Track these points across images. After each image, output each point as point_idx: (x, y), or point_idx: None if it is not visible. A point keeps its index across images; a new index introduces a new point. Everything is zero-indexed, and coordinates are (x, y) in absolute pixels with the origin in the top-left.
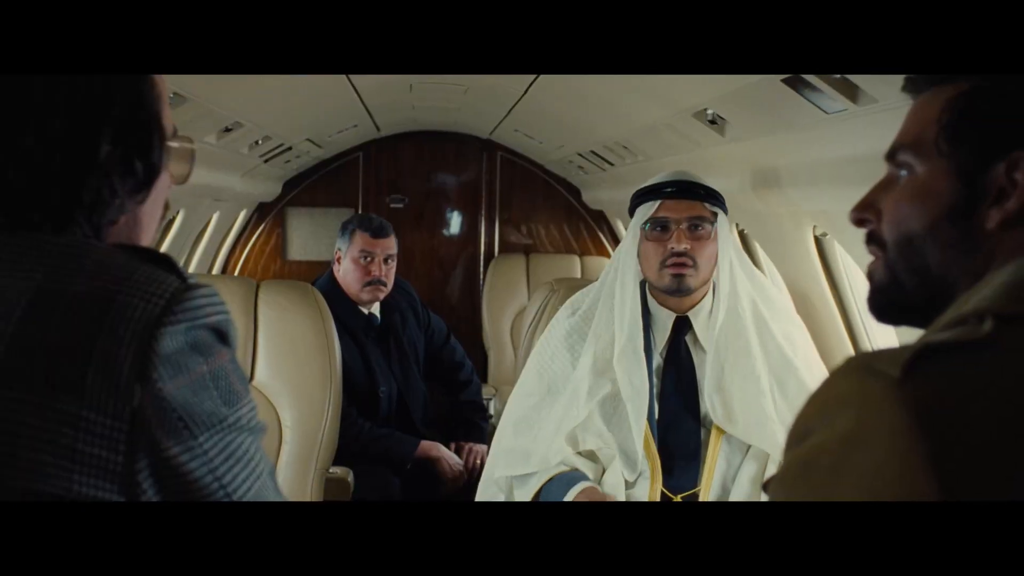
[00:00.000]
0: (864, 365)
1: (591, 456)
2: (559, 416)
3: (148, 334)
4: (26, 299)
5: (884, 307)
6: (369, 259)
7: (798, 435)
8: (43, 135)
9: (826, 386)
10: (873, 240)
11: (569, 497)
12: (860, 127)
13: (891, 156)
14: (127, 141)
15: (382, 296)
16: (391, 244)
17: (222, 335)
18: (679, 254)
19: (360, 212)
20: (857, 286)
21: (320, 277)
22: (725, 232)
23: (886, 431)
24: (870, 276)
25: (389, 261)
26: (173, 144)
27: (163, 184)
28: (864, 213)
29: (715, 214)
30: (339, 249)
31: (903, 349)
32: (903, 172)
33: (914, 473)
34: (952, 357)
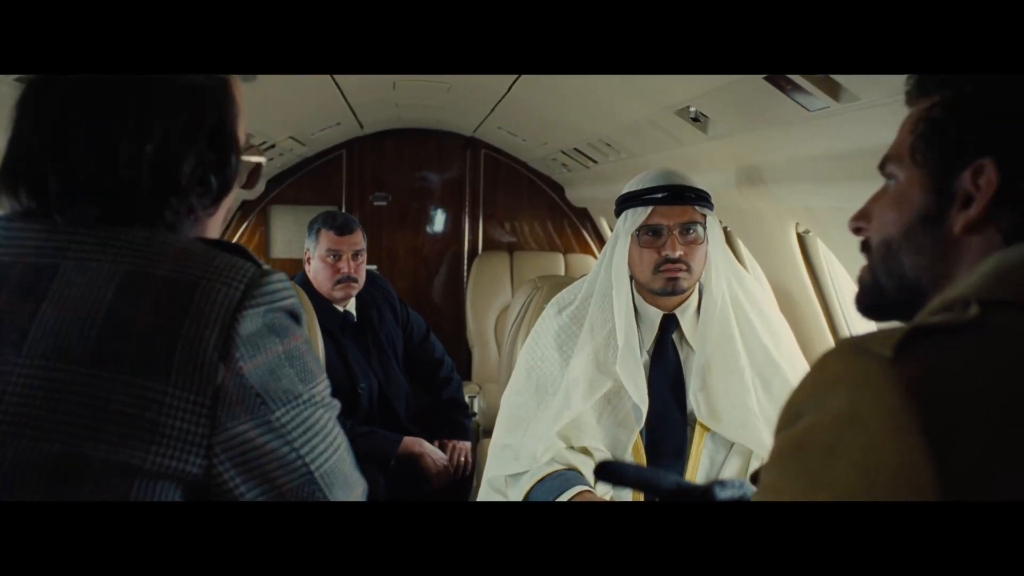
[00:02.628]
0: (856, 346)
1: (585, 452)
2: (551, 415)
3: (231, 317)
4: (116, 282)
5: (868, 307)
6: (337, 257)
7: (789, 417)
8: (134, 156)
9: (818, 368)
10: (865, 247)
11: (562, 499)
12: (842, 124)
13: (882, 167)
14: (207, 162)
15: (354, 292)
16: (358, 240)
17: (296, 317)
18: (673, 260)
19: (342, 210)
20: (839, 283)
21: (293, 278)
22: (715, 232)
23: (880, 409)
24: (859, 279)
25: (358, 257)
26: (245, 158)
27: (232, 194)
28: (860, 222)
29: (705, 216)
30: (307, 249)
31: (894, 331)
32: (891, 182)
33: (909, 450)
34: (941, 339)
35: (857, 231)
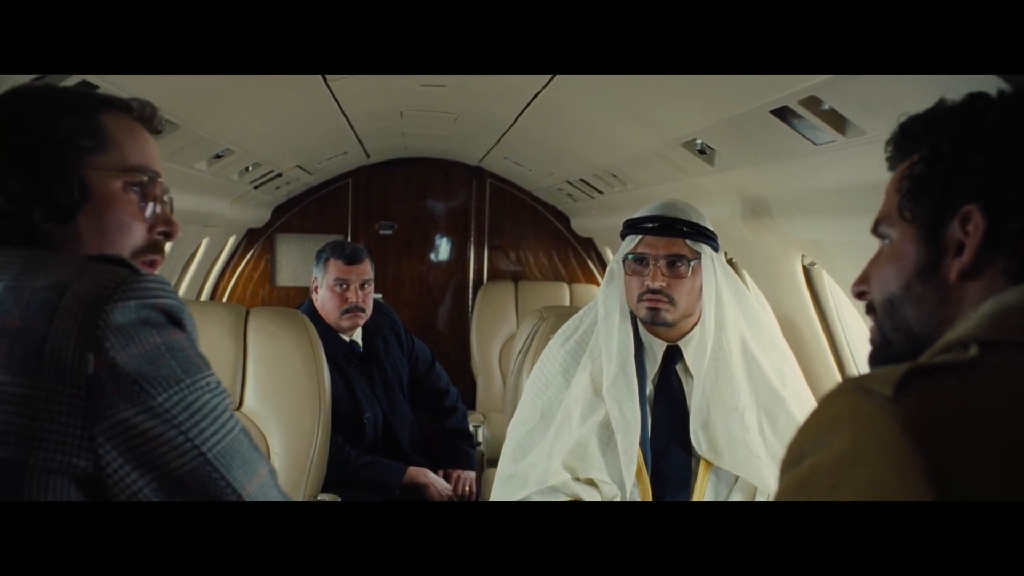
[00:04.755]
0: (856, 386)
1: (591, 483)
2: (552, 438)
3: (98, 309)
4: None
5: (880, 364)
6: (345, 286)
7: (794, 458)
8: None
9: (819, 409)
10: (870, 308)
11: None
12: (848, 158)
13: (875, 230)
14: (40, 184)
15: (362, 322)
16: (366, 269)
17: (174, 318)
18: (654, 291)
19: (348, 239)
20: (845, 315)
21: (300, 306)
22: (710, 268)
23: (881, 447)
24: (870, 340)
25: (365, 286)
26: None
27: (100, 206)
28: (861, 286)
29: (699, 252)
30: (315, 278)
31: (894, 370)
32: (885, 242)
33: (910, 487)
34: (941, 378)
35: (860, 295)
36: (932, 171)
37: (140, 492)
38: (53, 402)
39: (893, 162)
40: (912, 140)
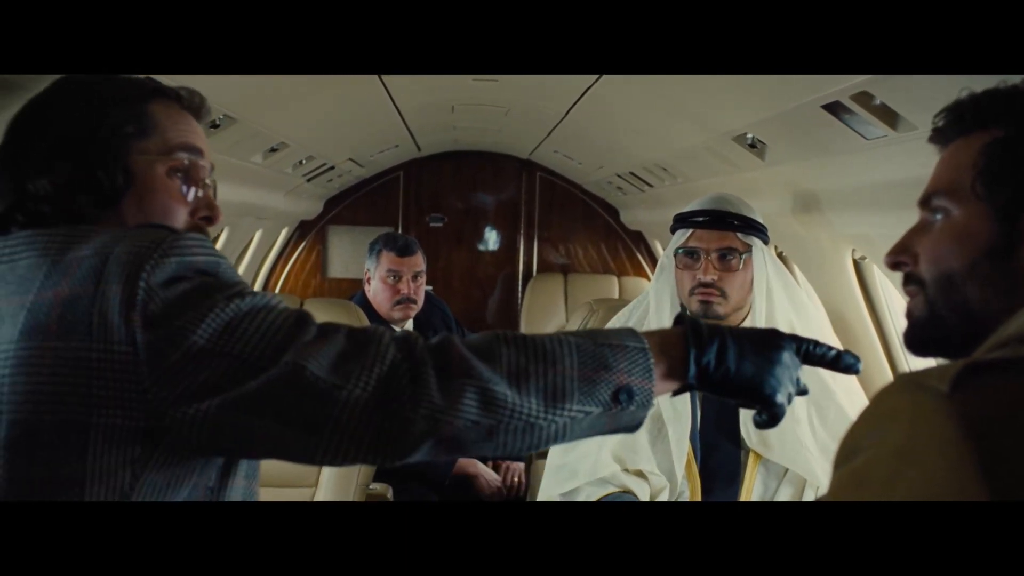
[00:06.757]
0: (913, 381)
1: (640, 475)
2: None
3: (138, 267)
4: (43, 271)
5: (924, 342)
6: (397, 278)
7: (847, 452)
8: (30, 166)
9: (876, 403)
10: (911, 280)
11: None
12: (899, 153)
13: (925, 202)
14: (90, 186)
15: (413, 313)
16: (418, 261)
17: (213, 274)
18: (706, 284)
19: (398, 231)
20: (896, 310)
21: (352, 297)
22: (760, 261)
23: (937, 443)
24: (909, 313)
25: (417, 278)
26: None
27: (143, 191)
28: (900, 256)
29: (750, 244)
30: (368, 270)
31: (951, 366)
32: (938, 216)
33: (966, 483)
34: (997, 374)
35: (896, 266)
36: (1019, 152)
37: (207, 419)
38: (105, 362)
39: (944, 133)
40: (985, 114)
